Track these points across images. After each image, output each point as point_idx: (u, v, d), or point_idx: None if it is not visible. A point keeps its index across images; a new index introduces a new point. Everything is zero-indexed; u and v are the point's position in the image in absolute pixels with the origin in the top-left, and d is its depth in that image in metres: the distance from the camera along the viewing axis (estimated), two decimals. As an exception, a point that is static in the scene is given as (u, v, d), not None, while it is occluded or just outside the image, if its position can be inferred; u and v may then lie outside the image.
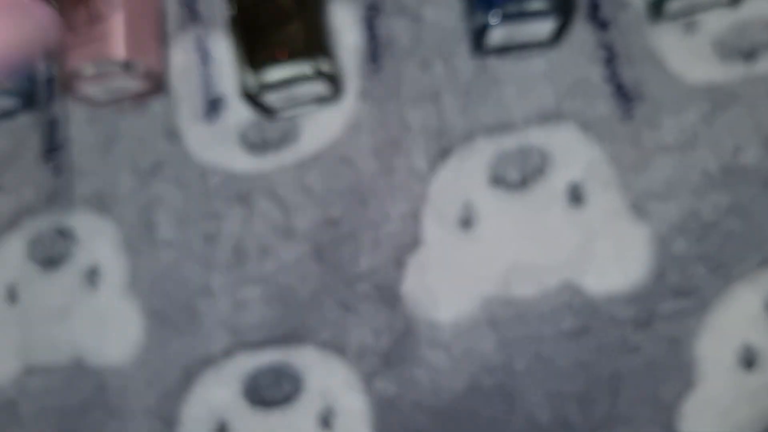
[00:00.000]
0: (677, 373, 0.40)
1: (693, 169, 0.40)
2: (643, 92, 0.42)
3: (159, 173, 0.45)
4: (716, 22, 0.42)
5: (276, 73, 0.41)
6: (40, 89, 0.48)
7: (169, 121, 0.46)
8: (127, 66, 0.44)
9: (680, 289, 0.40)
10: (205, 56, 0.46)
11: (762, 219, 0.39)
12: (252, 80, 0.41)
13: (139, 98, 0.46)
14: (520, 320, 0.41)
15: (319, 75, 0.41)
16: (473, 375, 0.41)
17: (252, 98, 0.42)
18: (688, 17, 0.42)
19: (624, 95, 0.42)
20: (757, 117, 0.40)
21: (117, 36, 0.43)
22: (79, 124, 0.47)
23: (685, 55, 0.42)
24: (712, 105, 0.41)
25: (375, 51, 0.44)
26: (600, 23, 0.42)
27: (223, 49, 0.46)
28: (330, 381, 0.42)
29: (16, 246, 0.47)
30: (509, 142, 0.42)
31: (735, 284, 0.39)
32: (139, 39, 0.44)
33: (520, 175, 0.42)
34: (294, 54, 0.41)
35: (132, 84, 0.45)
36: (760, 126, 0.40)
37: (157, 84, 0.46)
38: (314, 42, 0.41)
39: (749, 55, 0.41)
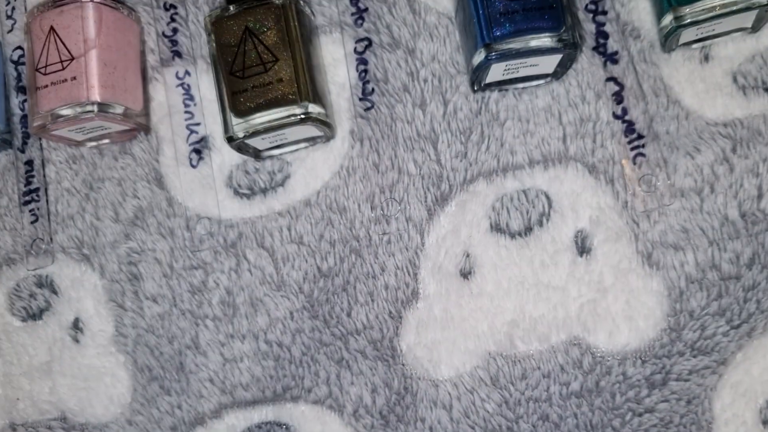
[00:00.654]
0: (695, 433, 0.37)
1: (712, 216, 0.37)
2: (656, 130, 0.38)
3: (142, 221, 0.43)
4: (735, 50, 0.39)
5: (263, 118, 0.38)
6: (14, 128, 0.45)
7: (151, 165, 0.43)
8: (102, 108, 0.41)
9: (699, 346, 0.37)
10: (187, 95, 0.43)
11: (787, 270, 0.36)
12: (236, 126, 0.39)
13: (120, 138, 0.44)
14: (524, 379, 0.38)
15: (309, 119, 0.38)
16: (476, 437, 0.38)
17: (237, 143, 0.39)
18: (703, 44, 0.39)
19: (635, 133, 0.38)
20: (782, 157, 0.37)
21: (91, 76, 0.41)
22: (57, 166, 0.45)
23: (702, 87, 0.39)
24: (732, 143, 0.38)
25: (366, 87, 0.41)
26: (608, 54, 0.39)
27: (207, 86, 0.43)
28: (325, 440, 0.40)
29: (-5, 297, 0.44)
30: (511, 186, 0.39)
31: (758, 340, 0.37)
32: (115, 77, 0.42)
33: (523, 222, 0.39)
34: (281, 98, 0.38)
35: (110, 125, 0.42)
36: (785, 167, 0.37)
37: (139, 124, 0.43)
38: (303, 84, 0.38)
39: (773, 87, 0.38)
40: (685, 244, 0.37)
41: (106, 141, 0.44)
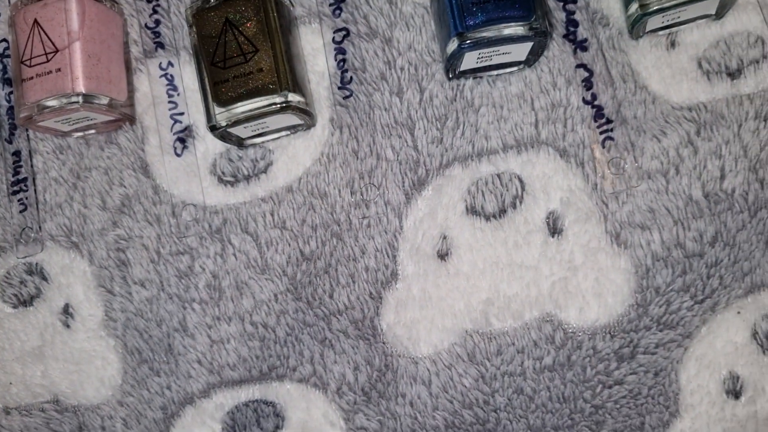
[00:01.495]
0: (662, 403, 0.39)
1: (677, 196, 0.39)
2: (624, 114, 0.40)
3: (129, 209, 0.44)
4: (700, 36, 0.40)
5: (244, 107, 0.39)
6: (1, 119, 0.46)
7: (136, 154, 0.44)
8: (87, 99, 0.42)
9: (665, 321, 0.39)
10: (171, 85, 0.44)
11: (749, 248, 0.38)
12: (219, 115, 0.40)
13: (106, 128, 0.45)
14: (499, 355, 0.40)
15: (289, 108, 0.40)
16: (454, 411, 0.40)
17: (220, 132, 0.41)
18: (670, 31, 0.40)
19: (604, 118, 0.40)
20: (744, 140, 0.39)
21: (75, 68, 0.42)
22: (45, 156, 0.46)
23: (669, 73, 0.40)
24: (696, 127, 0.39)
25: (345, 76, 0.42)
26: (578, 42, 0.41)
27: (190, 76, 0.44)
28: (310, 417, 0.42)
29: (-14, 285, 0.46)
30: (486, 170, 0.41)
31: (721, 314, 0.38)
32: (99, 69, 0.43)
33: (497, 205, 0.40)
34: (261, 88, 0.39)
35: (96, 115, 0.43)
36: (748, 149, 0.39)
37: (124, 114, 0.44)
38: (283, 74, 0.39)
39: (735, 72, 0.40)
40: (651, 224, 0.39)
41: (92, 131, 0.45)
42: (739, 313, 0.38)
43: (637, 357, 0.39)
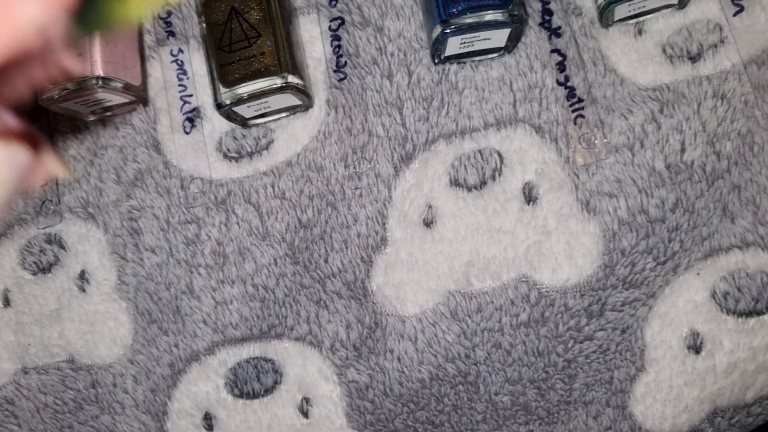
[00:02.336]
0: (629, 358, 0.42)
1: (641, 168, 0.43)
2: (594, 95, 0.44)
3: (141, 182, 0.48)
4: (665, 24, 0.44)
5: (247, 87, 0.43)
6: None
7: (149, 133, 0.48)
8: (104, 82, 0.46)
9: (630, 281, 0.42)
10: (181, 70, 0.48)
11: (707, 214, 0.42)
12: (224, 94, 0.44)
13: (121, 112, 0.49)
14: (479, 312, 0.43)
15: (288, 88, 0.43)
16: (438, 364, 0.44)
17: (226, 111, 0.45)
18: (638, 20, 0.44)
19: (576, 98, 0.44)
20: (703, 117, 0.43)
21: (94, 53, 0.46)
22: (63, 135, 0.50)
23: (636, 57, 0.44)
24: (660, 105, 0.43)
25: (340, 61, 0.46)
26: (553, 29, 0.45)
27: (198, 63, 0.48)
28: (306, 373, 0.45)
29: (7, 254, 0.49)
30: (468, 146, 0.45)
31: (682, 275, 0.42)
32: (116, 55, 0.47)
33: (478, 177, 0.44)
34: (264, 69, 0.43)
35: (112, 97, 0.47)
36: (706, 125, 0.42)
37: (138, 97, 0.48)
38: (283, 57, 0.43)
39: (695, 56, 0.44)
40: (618, 192, 0.43)
41: (108, 114, 0.49)
42: (698, 274, 0.42)
43: (606, 314, 0.42)
